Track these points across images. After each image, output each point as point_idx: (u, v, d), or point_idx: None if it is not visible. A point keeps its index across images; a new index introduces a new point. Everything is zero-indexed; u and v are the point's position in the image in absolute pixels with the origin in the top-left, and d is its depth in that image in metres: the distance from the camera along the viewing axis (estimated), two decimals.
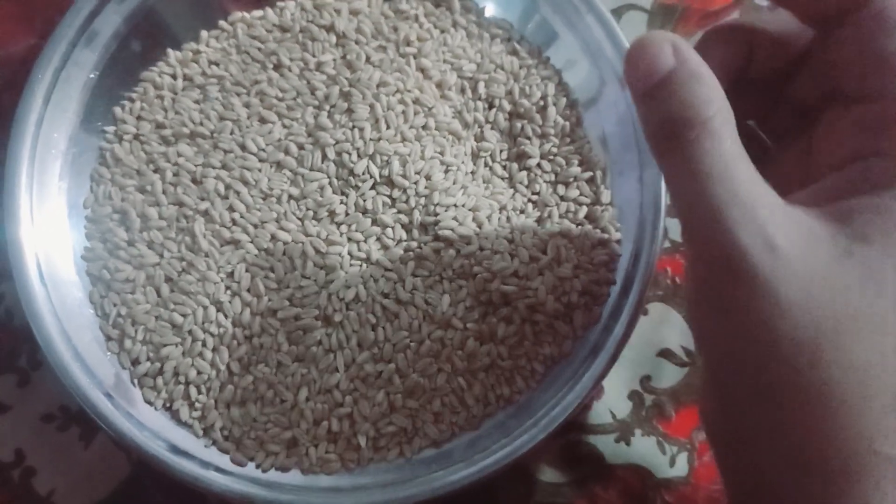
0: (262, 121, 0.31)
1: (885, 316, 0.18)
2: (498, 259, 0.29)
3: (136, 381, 0.29)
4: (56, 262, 0.29)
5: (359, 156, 0.30)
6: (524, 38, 0.34)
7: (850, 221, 0.19)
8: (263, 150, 0.31)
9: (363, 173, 0.30)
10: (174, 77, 0.32)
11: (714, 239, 0.18)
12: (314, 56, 0.32)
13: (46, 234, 0.29)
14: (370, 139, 0.30)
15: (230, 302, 0.29)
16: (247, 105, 0.32)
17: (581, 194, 0.31)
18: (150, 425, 0.28)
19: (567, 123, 0.32)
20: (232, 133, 0.31)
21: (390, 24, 0.33)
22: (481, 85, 0.32)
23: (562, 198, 0.31)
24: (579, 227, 0.31)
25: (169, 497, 0.31)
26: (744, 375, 0.19)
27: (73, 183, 0.31)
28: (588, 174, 0.31)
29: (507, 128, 0.32)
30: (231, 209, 0.30)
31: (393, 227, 0.30)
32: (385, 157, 0.30)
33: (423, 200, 0.30)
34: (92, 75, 0.31)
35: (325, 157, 0.30)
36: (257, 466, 0.28)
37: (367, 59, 0.32)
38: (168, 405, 0.29)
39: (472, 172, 0.31)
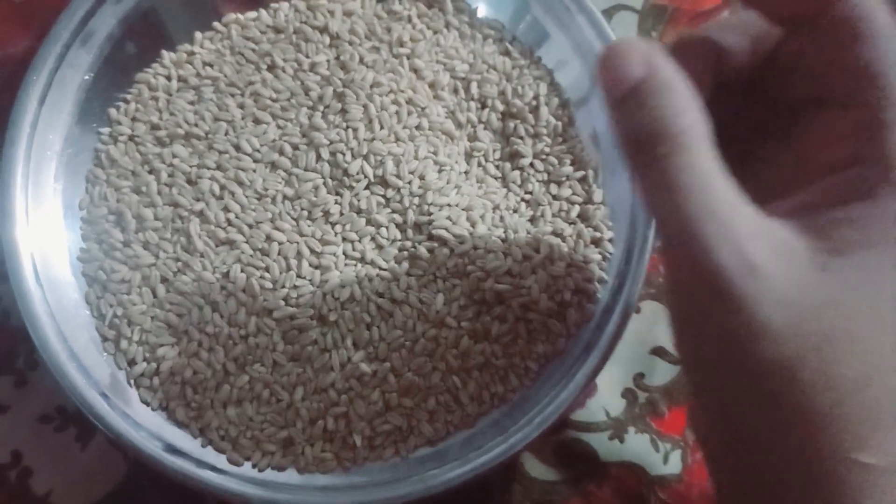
0: (257, 121, 0.31)
1: (861, 333, 0.18)
2: (491, 258, 0.29)
3: (132, 381, 0.29)
4: (52, 263, 0.29)
5: (353, 156, 0.30)
6: (516, 38, 0.34)
7: (828, 235, 0.18)
8: (258, 150, 0.31)
9: (357, 173, 0.30)
10: (169, 78, 0.32)
11: (690, 256, 0.18)
12: (308, 57, 0.32)
13: (42, 235, 0.29)
14: (364, 139, 0.30)
15: (226, 302, 0.29)
16: (241, 106, 0.32)
17: (573, 193, 0.31)
18: (146, 425, 0.28)
19: (559, 123, 0.32)
20: (226, 134, 0.31)
21: (383, 25, 0.33)
22: (474, 85, 0.32)
23: (554, 197, 0.31)
24: (572, 225, 0.31)
25: (166, 497, 0.31)
26: (723, 394, 0.19)
27: (69, 184, 0.31)
28: (580, 173, 0.31)
29: (499, 127, 0.32)
30: (226, 209, 0.30)
31: (387, 227, 0.30)
32: (379, 158, 0.30)
33: (416, 200, 0.30)
34: (87, 76, 0.31)
35: (319, 157, 0.30)
36: (253, 466, 0.29)
37: (361, 60, 0.32)
38: (164, 405, 0.29)
39: (466, 172, 0.32)
